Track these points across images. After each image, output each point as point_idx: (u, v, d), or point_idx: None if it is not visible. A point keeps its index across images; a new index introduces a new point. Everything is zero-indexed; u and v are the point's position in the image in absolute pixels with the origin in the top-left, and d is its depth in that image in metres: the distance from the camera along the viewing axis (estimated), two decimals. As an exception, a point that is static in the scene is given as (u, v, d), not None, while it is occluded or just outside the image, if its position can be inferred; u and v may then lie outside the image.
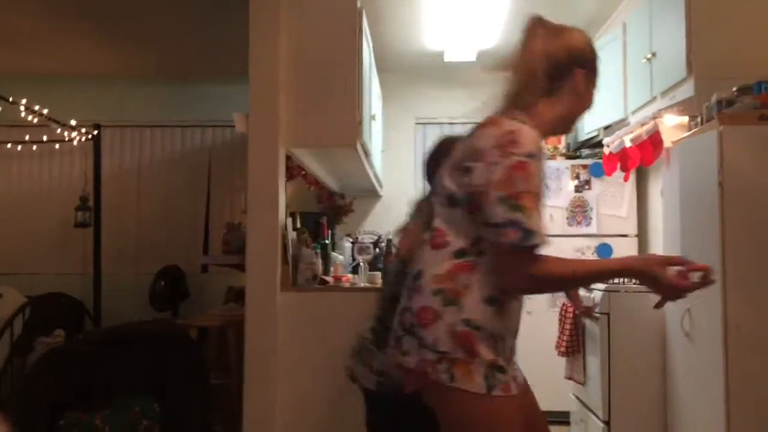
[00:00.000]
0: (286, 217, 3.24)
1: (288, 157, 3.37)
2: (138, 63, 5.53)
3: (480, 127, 1.58)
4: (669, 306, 3.02)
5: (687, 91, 2.97)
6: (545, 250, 1.47)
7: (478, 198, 1.48)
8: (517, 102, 1.61)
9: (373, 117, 4.06)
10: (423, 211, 1.66)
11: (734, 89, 2.68)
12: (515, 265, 1.47)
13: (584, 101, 1.67)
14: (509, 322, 1.57)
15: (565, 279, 1.57)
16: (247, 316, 3.05)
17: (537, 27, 1.66)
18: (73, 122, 5.29)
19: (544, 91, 1.60)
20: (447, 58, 5.19)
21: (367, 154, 3.75)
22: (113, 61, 5.48)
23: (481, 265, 1.51)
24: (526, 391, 1.76)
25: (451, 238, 1.53)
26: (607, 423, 3.16)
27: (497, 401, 1.49)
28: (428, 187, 1.73)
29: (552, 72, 1.60)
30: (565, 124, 1.68)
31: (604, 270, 1.58)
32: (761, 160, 2.49)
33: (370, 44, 3.88)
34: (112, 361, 3.15)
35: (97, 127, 5.49)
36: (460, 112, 5.68)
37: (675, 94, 3.08)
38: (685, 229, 2.81)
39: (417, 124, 5.72)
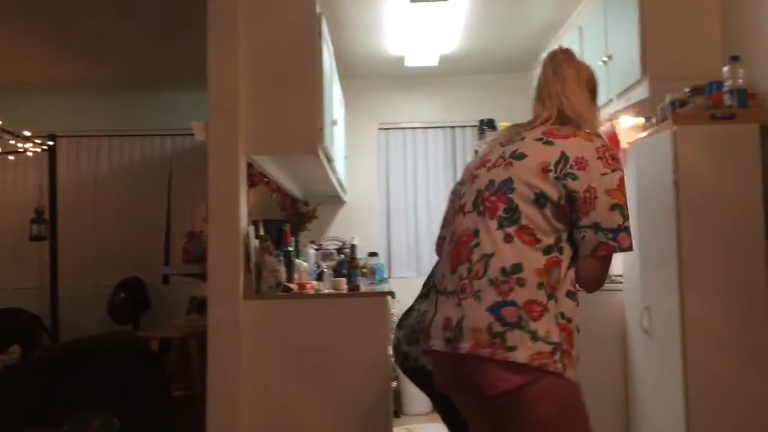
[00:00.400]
0: (248, 225, 3.21)
1: (249, 165, 3.34)
2: (93, 71, 5.42)
3: (557, 136, 1.68)
4: (628, 304, 3.08)
5: (642, 92, 3.03)
6: None
7: (585, 201, 1.61)
8: (565, 120, 1.74)
9: (334, 122, 4.05)
10: (486, 206, 1.68)
11: (687, 90, 2.75)
12: (609, 266, 1.66)
13: None
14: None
15: None
16: (210, 326, 3.00)
17: (568, 57, 1.84)
18: (27, 133, 5.15)
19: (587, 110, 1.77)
20: (408, 63, 5.22)
21: (329, 160, 3.74)
22: (68, 70, 5.36)
23: (564, 260, 1.62)
24: None
25: (540, 234, 1.61)
26: (573, 422, 3.19)
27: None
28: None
29: (591, 95, 1.82)
30: None
31: None
32: (714, 159, 2.55)
33: (331, 50, 3.88)
34: (71, 377, 3.07)
35: (52, 137, 5.36)
36: (423, 116, 5.72)
37: (630, 96, 3.14)
38: (643, 228, 2.86)
39: (380, 129, 5.73)
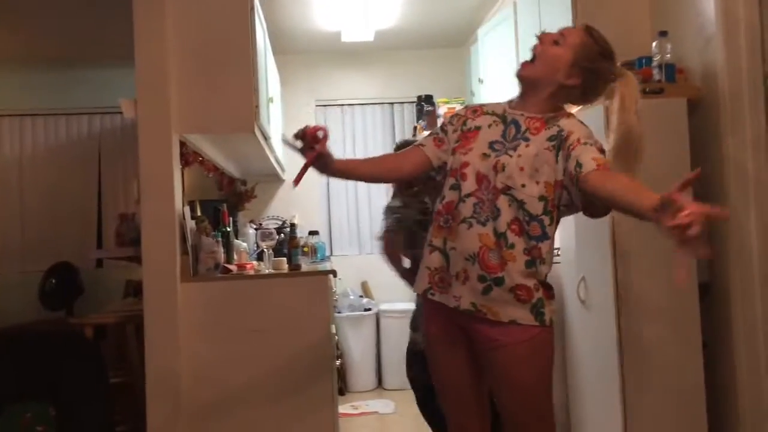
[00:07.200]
0: (183, 206, 3.12)
1: (183, 144, 3.24)
2: (11, 47, 5.13)
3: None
4: (565, 276, 3.16)
5: (575, 68, 3.06)
6: None
7: None
8: None
9: (270, 100, 3.97)
10: None
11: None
12: None
13: None
14: None
15: None
16: (146, 311, 2.92)
17: None
18: (-59, 112, 4.87)
19: None
20: (344, 39, 5.15)
21: (266, 138, 3.67)
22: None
23: None
24: None
25: None
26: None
27: None
28: None
29: None
30: None
31: None
32: (644, 132, 2.61)
33: (264, 25, 3.78)
34: (1, 367, 2.96)
35: (-30, 117, 5.09)
36: (361, 93, 5.68)
37: (564, 71, 3.18)
38: (578, 201, 2.92)
39: (317, 106, 5.67)
